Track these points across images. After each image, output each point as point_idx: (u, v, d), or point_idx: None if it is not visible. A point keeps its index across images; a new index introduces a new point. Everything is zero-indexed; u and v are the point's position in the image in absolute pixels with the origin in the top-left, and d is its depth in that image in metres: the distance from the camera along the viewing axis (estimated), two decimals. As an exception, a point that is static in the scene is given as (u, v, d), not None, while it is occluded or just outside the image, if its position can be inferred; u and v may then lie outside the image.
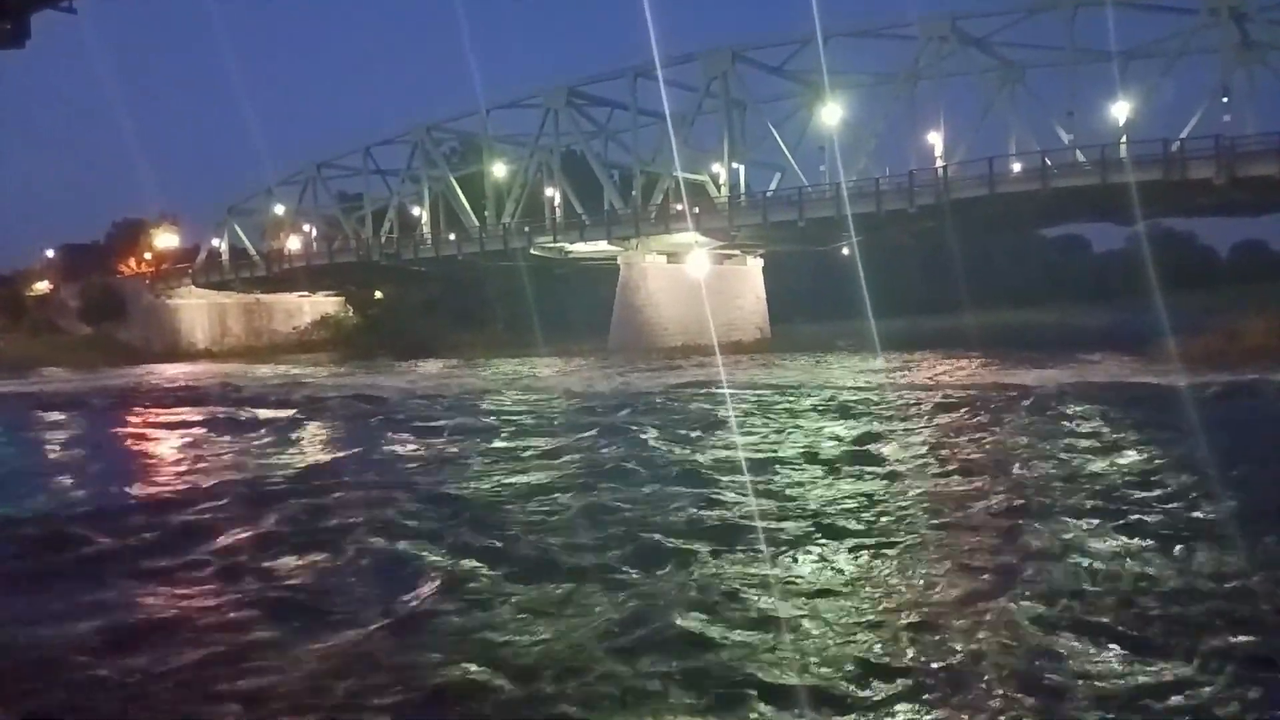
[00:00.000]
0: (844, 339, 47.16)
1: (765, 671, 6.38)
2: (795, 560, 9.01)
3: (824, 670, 6.37)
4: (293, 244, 70.50)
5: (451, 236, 61.33)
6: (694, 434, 18.02)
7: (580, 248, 55.26)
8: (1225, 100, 40.67)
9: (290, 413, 25.59)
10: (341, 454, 18.02)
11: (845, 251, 52.71)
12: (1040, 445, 15.22)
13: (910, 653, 6.60)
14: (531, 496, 12.55)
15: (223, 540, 10.55)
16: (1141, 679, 6.07)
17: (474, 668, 6.59)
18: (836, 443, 16.28)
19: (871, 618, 7.34)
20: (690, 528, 10.36)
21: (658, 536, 9.91)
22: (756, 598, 7.91)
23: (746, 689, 6.11)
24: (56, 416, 28.28)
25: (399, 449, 18.17)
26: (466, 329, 64.21)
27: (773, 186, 53.48)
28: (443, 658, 6.83)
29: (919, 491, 12.02)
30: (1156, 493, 11.24)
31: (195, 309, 72.89)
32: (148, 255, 79.28)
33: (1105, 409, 19.00)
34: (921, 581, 8.28)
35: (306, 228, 71.19)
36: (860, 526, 10.19)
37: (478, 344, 56.43)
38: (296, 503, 12.55)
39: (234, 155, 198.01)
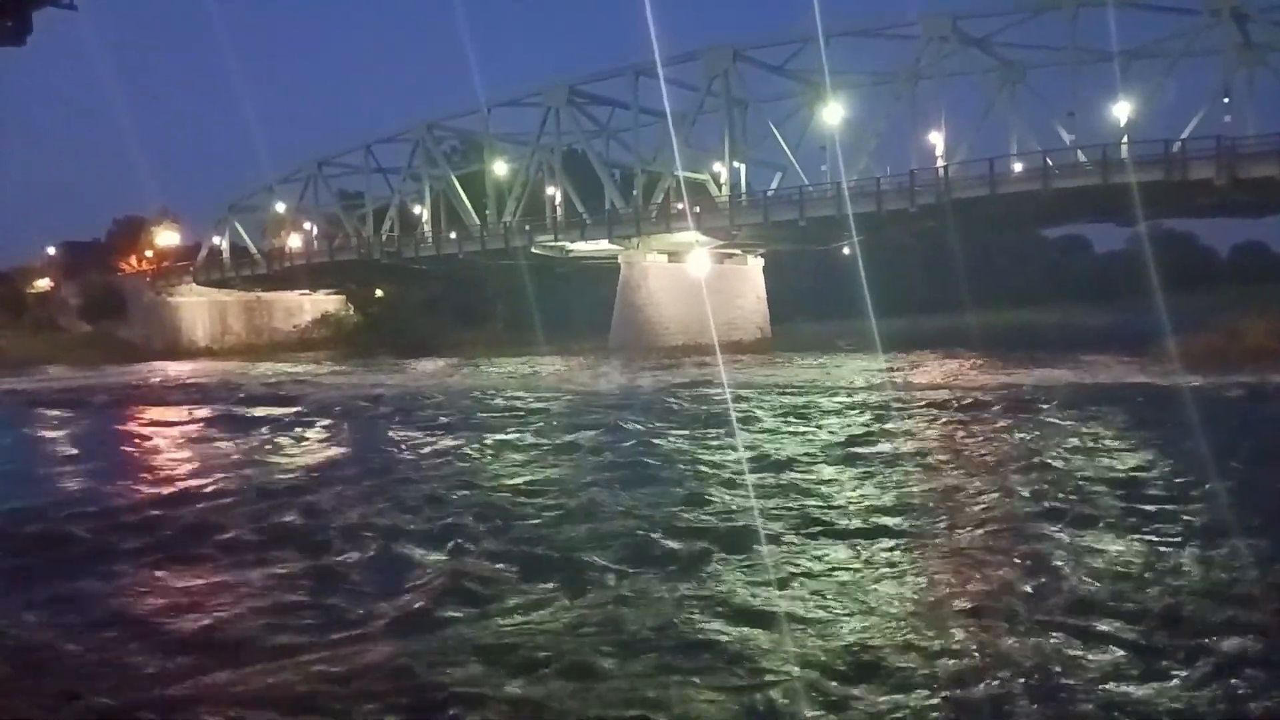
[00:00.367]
0: (845, 339, 47.13)
1: (766, 671, 6.38)
2: (795, 559, 9.01)
3: (824, 670, 6.37)
4: (294, 242, 70.47)
5: (452, 235, 61.31)
6: (694, 433, 18.03)
7: (581, 247, 55.24)
8: (1226, 101, 40.71)
9: (290, 411, 25.57)
10: (342, 452, 18.03)
11: (846, 251, 52.69)
12: (1040, 446, 15.22)
13: (911, 653, 6.60)
14: (532, 496, 12.55)
15: (222, 539, 10.56)
16: (1142, 679, 6.07)
17: (475, 667, 6.59)
18: (837, 442, 16.27)
19: (871, 617, 7.34)
20: (690, 527, 10.37)
21: (658, 535, 9.93)
22: (756, 596, 7.91)
23: (747, 689, 6.11)
24: (58, 414, 28.27)
25: (399, 448, 18.17)
26: (467, 328, 64.20)
27: (774, 186, 53.45)
28: (444, 657, 6.83)
29: (919, 491, 12.03)
30: (1157, 493, 11.24)
31: (196, 307, 72.87)
32: (148, 253, 79.27)
33: (1106, 409, 19.02)
34: (922, 581, 8.29)
35: (307, 226, 71.17)
36: (860, 526, 10.19)
37: (478, 343, 56.40)
38: (296, 501, 12.57)
39: (235, 153, 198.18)
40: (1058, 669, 6.24)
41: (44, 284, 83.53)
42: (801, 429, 18.40)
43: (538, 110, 56.30)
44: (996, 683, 6.06)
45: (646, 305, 52.62)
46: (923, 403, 21.87)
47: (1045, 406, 19.93)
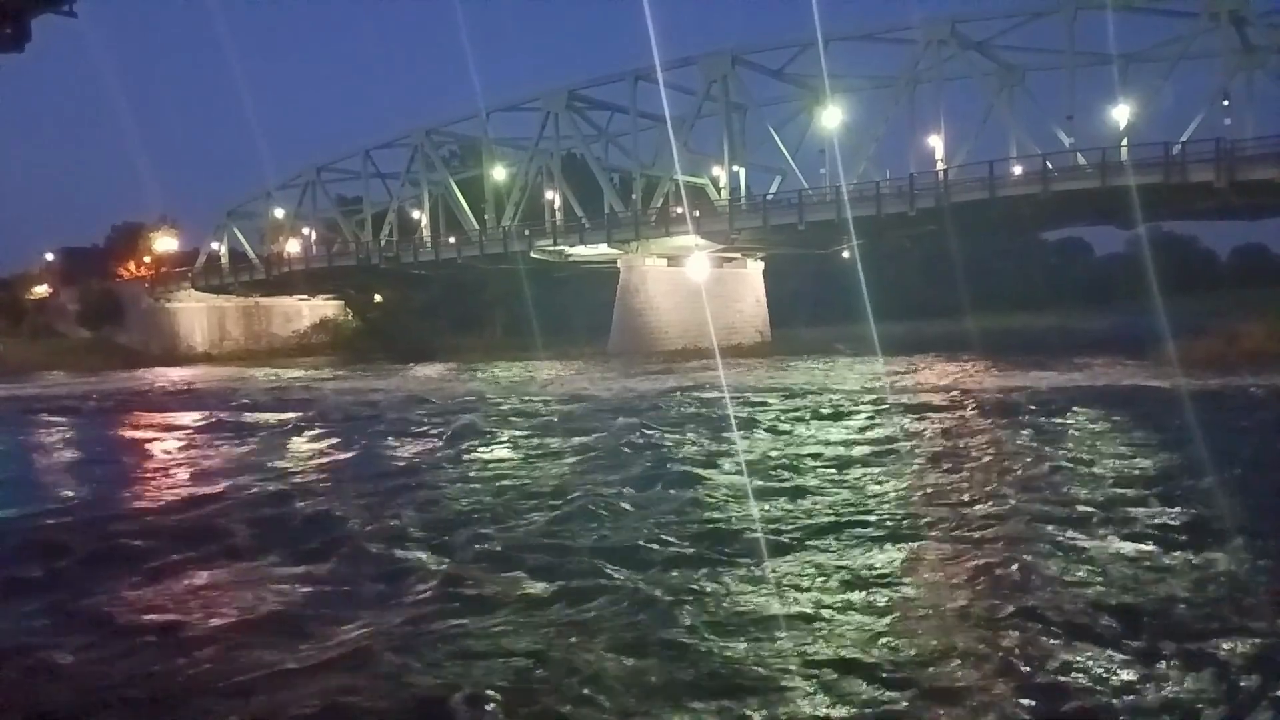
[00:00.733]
0: (844, 342, 47.12)
1: (765, 672, 6.36)
2: (794, 561, 8.98)
3: (824, 670, 6.34)
4: (292, 247, 70.51)
5: (451, 240, 61.32)
6: (693, 437, 18.01)
7: (580, 251, 55.24)
8: (1225, 104, 40.79)
9: (289, 416, 25.56)
10: (340, 458, 17.99)
11: (845, 255, 52.73)
12: (1039, 449, 15.20)
13: (911, 653, 6.58)
14: (532, 499, 12.52)
15: (220, 545, 10.51)
16: (1141, 681, 6.04)
17: (474, 670, 6.56)
18: (836, 446, 16.24)
19: (871, 617, 7.32)
20: (689, 530, 10.34)
21: (657, 539, 9.90)
22: (756, 598, 7.88)
23: (747, 690, 6.08)
24: (57, 420, 28.24)
25: (397, 453, 18.15)
26: (466, 332, 64.23)
27: (773, 190, 53.55)
28: (442, 660, 6.81)
29: (919, 494, 12.02)
30: (1155, 496, 11.20)
31: (194, 312, 72.86)
32: (147, 259, 79.28)
33: (1105, 412, 19.05)
34: (922, 582, 8.27)
35: (306, 231, 71.23)
36: (859, 529, 10.16)
37: (477, 347, 56.42)
38: (294, 507, 12.56)
39: (233, 158, 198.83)
40: (1057, 669, 6.22)
41: (43, 290, 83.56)
42: (801, 432, 18.39)
43: (537, 115, 56.39)
44: (996, 683, 6.03)
45: (646, 309, 52.61)
46: (922, 406, 21.87)
47: (1044, 410, 19.90)
